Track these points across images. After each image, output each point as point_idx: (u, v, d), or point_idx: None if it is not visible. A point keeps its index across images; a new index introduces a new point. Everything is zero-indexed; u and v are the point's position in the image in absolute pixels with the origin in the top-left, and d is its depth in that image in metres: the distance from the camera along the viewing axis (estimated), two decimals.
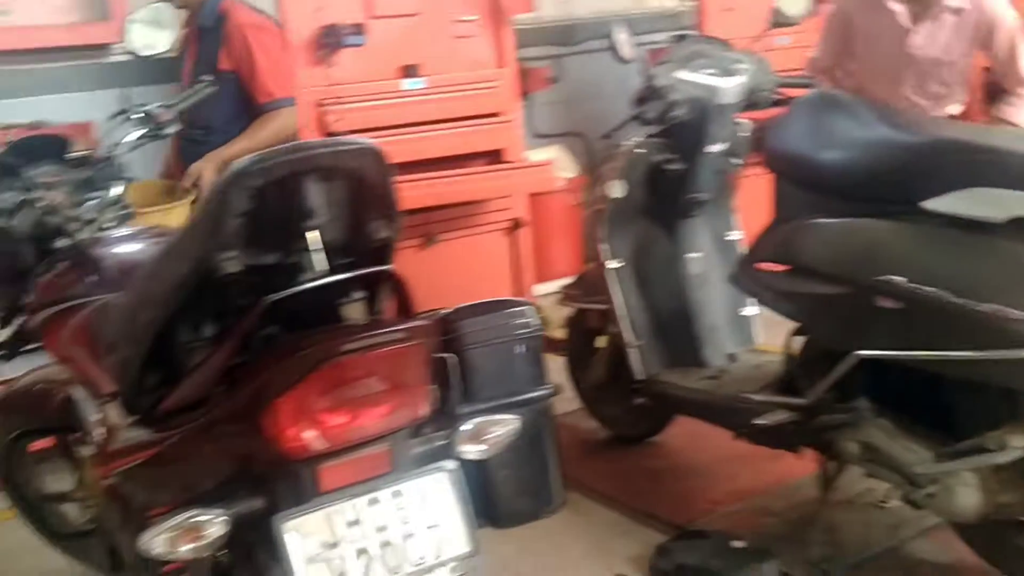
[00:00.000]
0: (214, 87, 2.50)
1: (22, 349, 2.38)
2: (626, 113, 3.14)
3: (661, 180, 3.00)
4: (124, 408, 1.59)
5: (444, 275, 3.71)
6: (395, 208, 1.40)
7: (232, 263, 1.29)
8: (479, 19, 3.93)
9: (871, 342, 2.15)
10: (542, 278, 4.63)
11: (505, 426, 1.49)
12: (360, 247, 1.41)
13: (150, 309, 1.38)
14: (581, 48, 5.49)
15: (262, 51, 3.45)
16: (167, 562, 1.61)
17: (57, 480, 2.79)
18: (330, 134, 3.62)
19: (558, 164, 4.55)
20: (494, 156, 3.97)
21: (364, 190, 1.36)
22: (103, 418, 1.90)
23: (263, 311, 1.28)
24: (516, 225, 4.01)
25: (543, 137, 5.36)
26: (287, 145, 1.29)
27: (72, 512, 2.74)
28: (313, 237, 1.30)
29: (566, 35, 5.47)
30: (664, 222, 3.07)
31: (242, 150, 2.90)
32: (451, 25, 3.88)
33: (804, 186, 2.54)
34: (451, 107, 3.85)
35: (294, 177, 1.26)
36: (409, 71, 3.78)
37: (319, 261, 1.31)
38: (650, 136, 2.99)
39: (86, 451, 2.43)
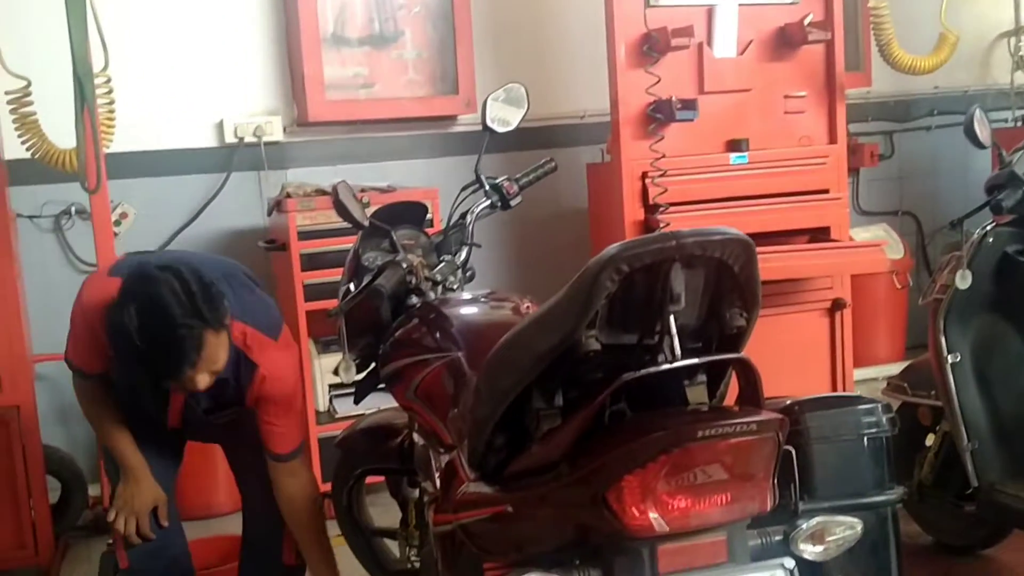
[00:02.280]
0: (554, 166, 2.61)
1: (371, 392, 2.59)
2: (966, 199, 2.96)
3: (1012, 273, 2.78)
4: (468, 464, 1.69)
5: (761, 352, 3.60)
6: (756, 299, 1.40)
7: (593, 341, 1.35)
8: (811, 94, 3.87)
9: None
10: (860, 363, 4.42)
11: (847, 528, 1.43)
12: (714, 333, 1.42)
13: (512, 375, 1.46)
14: (916, 124, 5.24)
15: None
16: None
17: (384, 516, 3.01)
18: (651, 206, 3.69)
19: (885, 245, 4.34)
20: (819, 234, 3.86)
21: (727, 278, 1.37)
22: (442, 468, 2.03)
23: (619, 386, 1.33)
24: (838, 306, 3.86)
25: (869, 215, 5.15)
26: (657, 233, 1.33)
27: (394, 549, 2.94)
28: (671, 322, 1.32)
29: (901, 110, 5.25)
30: (1013, 318, 2.84)
31: None
32: (782, 100, 3.84)
33: None
34: (777, 182, 3.80)
35: (662, 264, 1.30)
36: (736, 145, 3.78)
37: (675, 345, 1.34)
38: (1003, 225, 2.79)
39: (415, 494, 2.61)
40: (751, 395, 1.41)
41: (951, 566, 3.11)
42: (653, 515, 1.31)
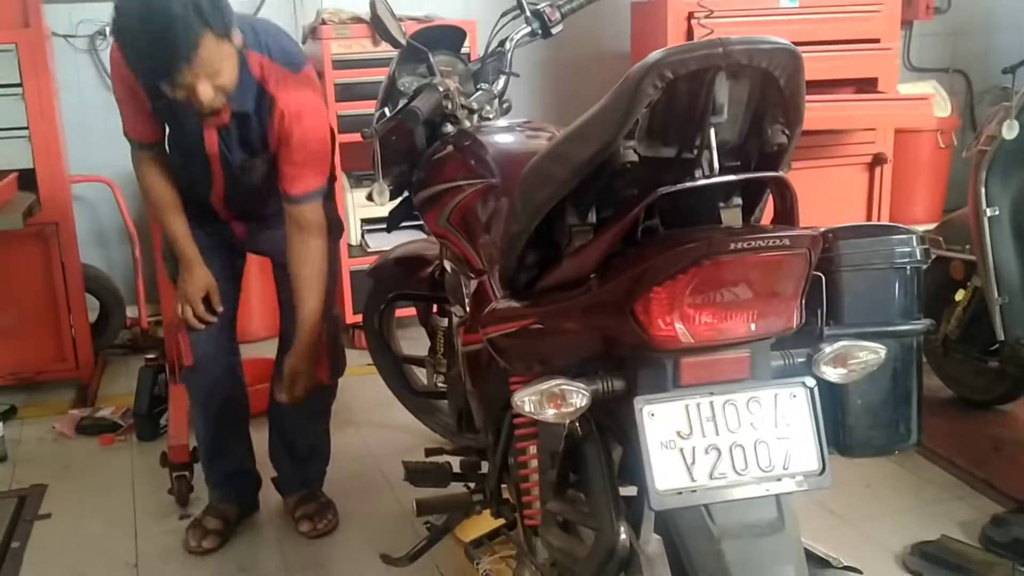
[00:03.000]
0: None
1: (403, 223, 2.60)
2: (1020, 57, 2.85)
3: None
4: (499, 282, 1.70)
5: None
6: (800, 115, 1.37)
7: (631, 152, 1.33)
8: None
9: None
10: (897, 220, 4.37)
11: (870, 354, 1.44)
12: (754, 150, 1.40)
13: (548, 187, 1.45)
14: None
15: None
16: (519, 428, 1.75)
17: (413, 344, 3.09)
18: None
19: (933, 101, 4.23)
20: (866, 85, 3.76)
21: (771, 92, 1.34)
22: (471, 291, 2.06)
23: (653, 201, 1.32)
24: (879, 160, 3.80)
25: (919, 71, 4.99)
26: (703, 40, 1.29)
27: (423, 375, 3.02)
28: (712, 134, 1.30)
29: None
30: None
31: None
32: None
33: None
34: (827, 29, 3.69)
35: (707, 72, 1.27)
36: None
37: (713, 160, 1.32)
38: None
39: (444, 323, 2.66)
40: (787, 215, 1.40)
41: (970, 419, 3.15)
42: (679, 327, 1.32)
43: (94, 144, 4.00)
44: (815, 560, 1.57)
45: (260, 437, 2.81)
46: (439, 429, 2.98)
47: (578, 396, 1.40)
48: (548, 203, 1.48)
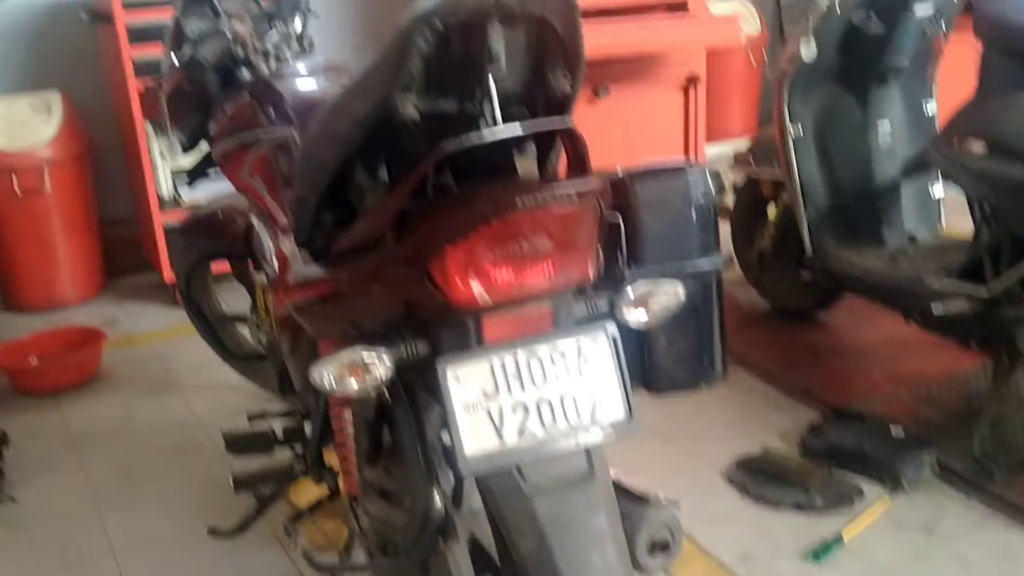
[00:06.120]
0: None
1: (204, 174, 2.47)
2: None
3: (857, 42, 2.80)
4: (298, 244, 1.63)
5: (614, 128, 3.62)
6: (580, 61, 1.34)
7: (410, 107, 1.27)
8: None
9: None
10: (714, 137, 4.48)
11: (670, 294, 1.45)
12: (540, 99, 1.36)
13: (330, 146, 1.39)
14: None
15: None
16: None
17: (232, 303, 2.97)
18: None
19: (742, 19, 4.30)
20: (676, 7, 3.78)
21: (550, 39, 1.30)
22: (279, 249, 1.97)
23: (438, 158, 1.27)
24: (692, 81, 3.85)
25: None
26: None
27: (245, 334, 2.91)
28: (491, 84, 1.26)
29: None
30: (855, 88, 2.88)
31: None
32: None
33: (1015, 56, 2.32)
34: None
35: (479, 21, 1.21)
36: None
37: (495, 110, 1.28)
38: None
39: (261, 278, 2.56)
40: (578, 165, 1.38)
41: (786, 330, 3.29)
42: (476, 286, 1.29)
43: None
44: (631, 499, 1.59)
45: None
46: (266, 387, 2.89)
47: (380, 366, 1.35)
48: (333, 160, 1.41)
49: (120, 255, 4.16)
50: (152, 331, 3.69)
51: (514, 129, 1.28)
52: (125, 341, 3.59)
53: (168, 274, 3.77)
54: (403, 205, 1.34)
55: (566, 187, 1.27)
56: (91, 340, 3.32)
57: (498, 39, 1.25)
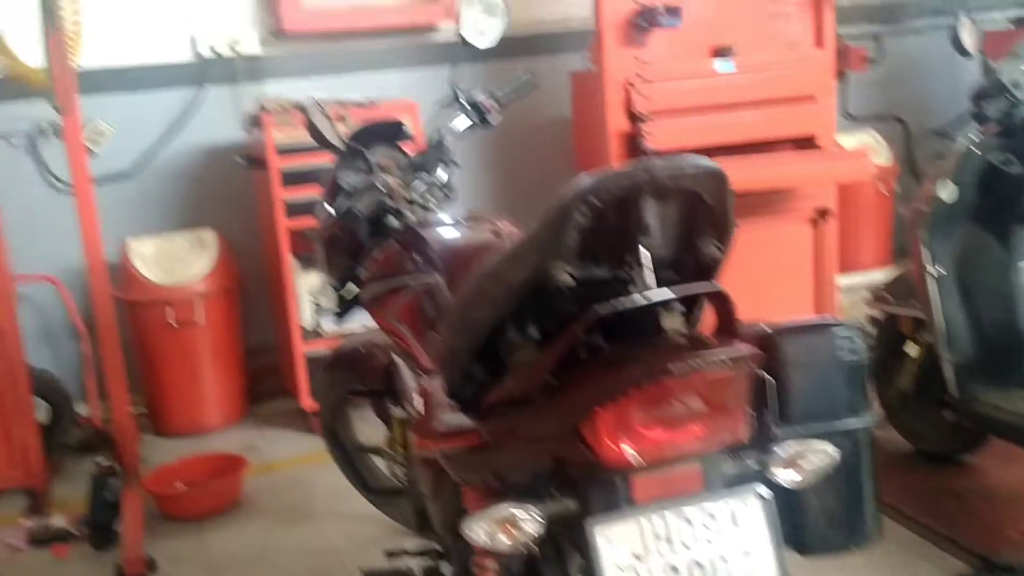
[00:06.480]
0: (535, 81, 2.56)
1: (351, 313, 2.58)
2: (956, 103, 2.91)
3: (996, 183, 2.76)
4: (446, 392, 1.69)
5: (743, 262, 3.61)
6: (730, 228, 1.38)
7: (565, 275, 1.33)
8: None
9: None
10: (845, 269, 4.42)
11: (822, 455, 1.44)
12: (688, 263, 1.40)
13: (484, 307, 1.45)
14: (906, 27, 5.14)
15: None
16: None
17: (369, 435, 3.04)
18: (635, 114, 3.64)
19: (872, 151, 4.30)
20: (805, 142, 3.81)
21: (699, 209, 1.35)
22: (421, 389, 2.03)
23: (591, 321, 1.32)
24: (823, 215, 3.84)
25: (857, 120, 5.08)
26: (629, 166, 1.30)
27: (381, 466, 2.98)
28: (644, 254, 1.31)
29: (890, 12, 5.14)
30: (996, 228, 2.83)
31: None
32: (768, 3, 3.76)
33: None
34: (762, 89, 3.74)
35: (633, 196, 1.28)
36: (721, 52, 3.71)
37: (648, 277, 1.32)
38: (988, 135, 2.75)
39: (400, 413, 2.63)
40: (726, 325, 1.40)
41: (930, 473, 3.16)
42: (627, 448, 1.31)
43: (38, 241, 3.95)
44: None
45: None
46: (402, 521, 2.94)
47: (531, 523, 1.38)
48: (487, 321, 1.48)
49: (260, 382, 4.34)
50: (289, 457, 3.81)
51: (665, 293, 1.32)
52: (264, 468, 3.71)
53: (306, 401, 3.90)
54: (555, 363, 1.38)
55: (719, 353, 1.30)
56: (234, 467, 3.45)
57: (651, 212, 1.31)
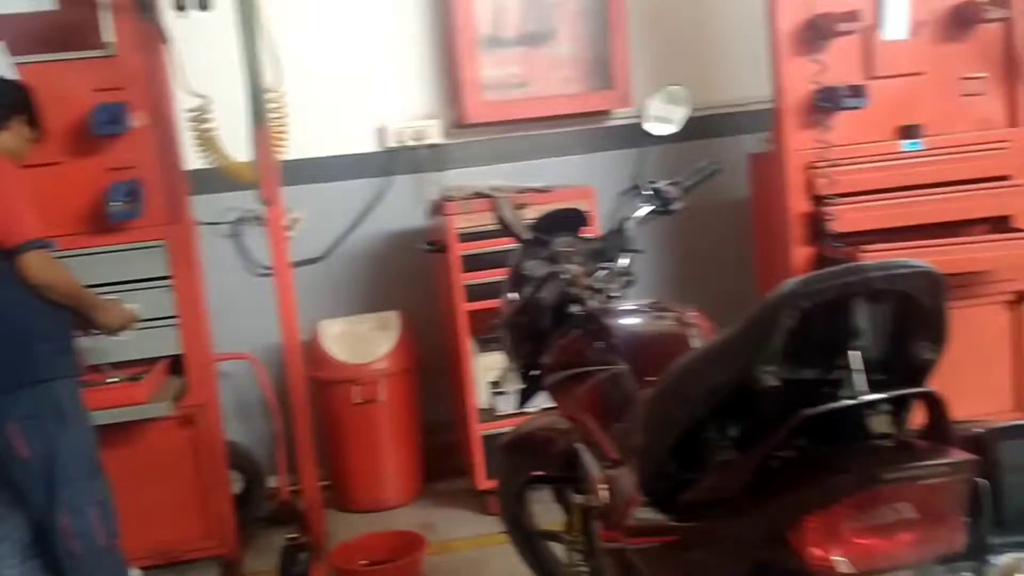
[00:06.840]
0: (719, 168, 2.57)
1: (533, 398, 2.61)
2: None
3: None
4: (636, 485, 1.68)
5: None
6: (945, 331, 1.34)
7: (771, 377, 1.31)
8: (989, 75, 3.65)
9: None
10: None
11: None
12: (898, 365, 1.36)
13: (683, 406, 1.45)
14: None
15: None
16: None
17: (543, 518, 3.04)
18: (819, 197, 3.57)
19: None
20: (998, 222, 3.64)
21: (913, 311, 1.31)
22: (606, 479, 2.03)
23: (798, 423, 1.29)
24: (1021, 298, 3.63)
25: None
26: (840, 267, 1.28)
27: (558, 551, 2.96)
28: (855, 357, 1.28)
29: None
30: None
31: None
32: (957, 83, 3.64)
33: None
34: (952, 169, 3.61)
35: (845, 299, 1.26)
36: (908, 132, 3.62)
37: (859, 381, 1.29)
38: None
39: (581, 500, 2.62)
40: (939, 429, 1.35)
41: None
42: (836, 556, 1.27)
43: (236, 322, 4.18)
44: None
45: None
46: None
47: None
48: (685, 420, 1.47)
49: (436, 460, 4.42)
50: (466, 537, 3.84)
51: (876, 397, 1.28)
52: (441, 547, 3.76)
53: (482, 481, 3.94)
54: (759, 465, 1.36)
55: (935, 459, 1.25)
56: (415, 546, 3.51)
57: (863, 316, 1.28)
